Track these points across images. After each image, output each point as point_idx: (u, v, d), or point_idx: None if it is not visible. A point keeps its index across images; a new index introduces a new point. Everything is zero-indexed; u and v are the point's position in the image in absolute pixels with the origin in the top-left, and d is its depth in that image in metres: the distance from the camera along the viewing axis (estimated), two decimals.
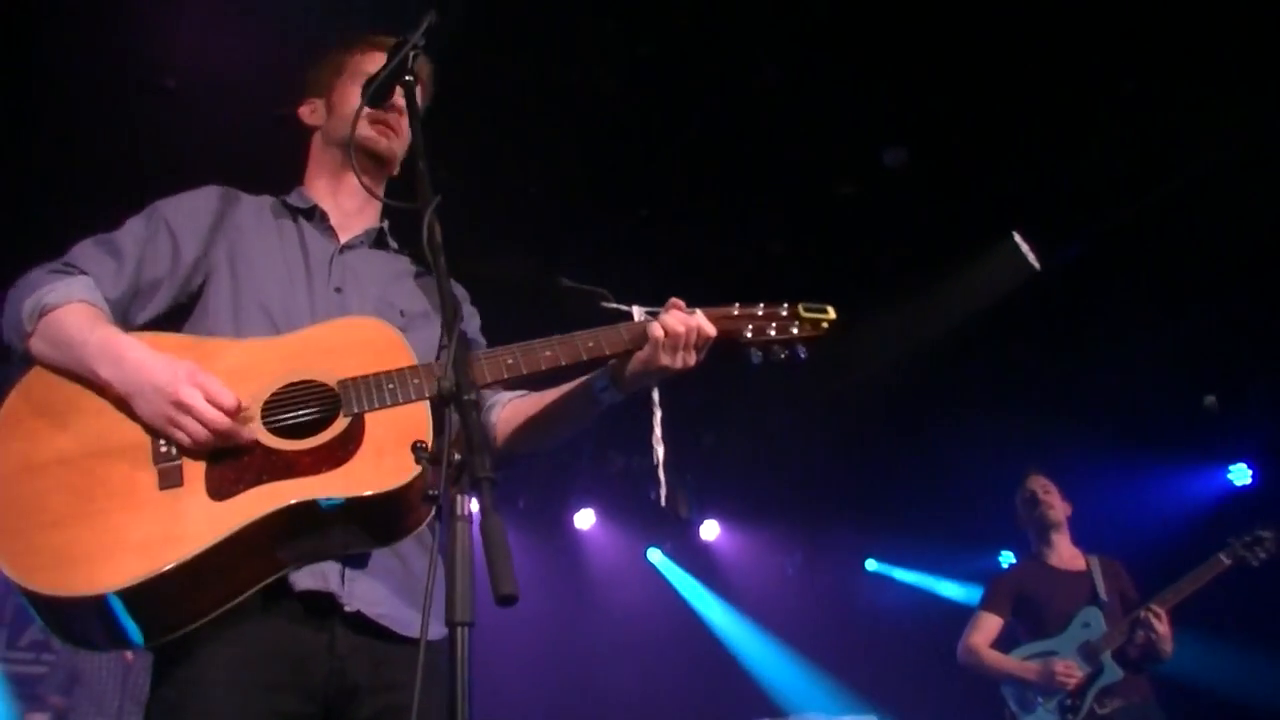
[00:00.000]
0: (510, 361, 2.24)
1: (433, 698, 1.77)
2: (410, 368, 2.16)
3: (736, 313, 2.41)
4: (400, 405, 2.10)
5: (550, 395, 2.45)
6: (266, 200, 2.55)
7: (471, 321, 2.66)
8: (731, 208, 6.58)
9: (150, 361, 2.08)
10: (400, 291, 2.49)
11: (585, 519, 10.06)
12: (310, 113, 2.63)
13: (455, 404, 1.70)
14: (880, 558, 11.01)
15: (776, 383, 8.42)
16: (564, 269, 6.79)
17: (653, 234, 6.80)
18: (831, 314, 2.47)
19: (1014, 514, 5.93)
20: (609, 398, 2.38)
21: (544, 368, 2.27)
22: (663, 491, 2.50)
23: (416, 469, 2.01)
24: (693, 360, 2.30)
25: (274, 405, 2.13)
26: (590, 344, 2.29)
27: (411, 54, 2.18)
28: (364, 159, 2.48)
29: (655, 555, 10.71)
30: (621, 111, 5.88)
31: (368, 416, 2.10)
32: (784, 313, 2.44)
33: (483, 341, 2.62)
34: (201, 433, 2.03)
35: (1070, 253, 7.06)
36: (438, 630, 1.78)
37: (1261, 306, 6.91)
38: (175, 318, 2.34)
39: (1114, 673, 5.19)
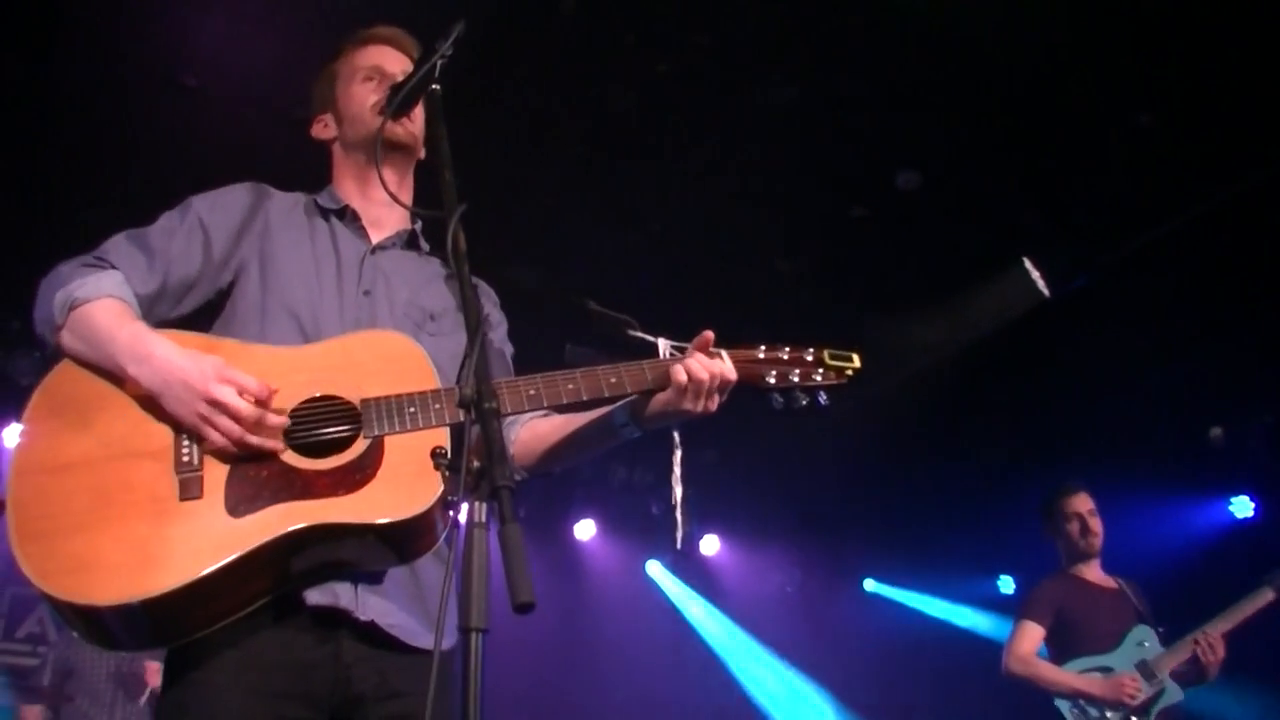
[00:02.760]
0: (532, 393, 2.23)
1: (441, 705, 1.77)
2: (434, 391, 2.14)
3: (761, 356, 2.38)
4: (420, 430, 2.09)
5: (571, 422, 2.44)
6: (299, 198, 2.53)
7: (499, 328, 2.64)
8: (744, 226, 6.59)
9: (178, 359, 2.08)
10: (430, 295, 2.48)
11: (586, 530, 10.05)
12: (323, 128, 2.62)
13: (476, 411, 1.70)
14: (879, 578, 10.99)
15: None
16: (576, 282, 6.82)
17: (665, 249, 6.81)
18: (856, 362, 2.44)
19: (1046, 524, 5.72)
20: (628, 433, 2.36)
21: (565, 400, 2.25)
22: (679, 534, 2.45)
23: (432, 498, 2.01)
24: (714, 406, 2.28)
25: (297, 419, 2.12)
26: (613, 380, 2.27)
27: (439, 63, 2.17)
28: (388, 152, 2.45)
29: (655, 568, 10.69)
30: (638, 127, 5.89)
31: (387, 439, 2.09)
32: (809, 358, 2.40)
33: (510, 348, 2.63)
34: (234, 429, 2.03)
35: (1079, 281, 7.07)
36: (446, 640, 1.79)
37: (1268, 340, 6.92)
38: (204, 316, 2.33)
39: (1176, 693, 5.14)
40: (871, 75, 5.64)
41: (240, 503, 2.02)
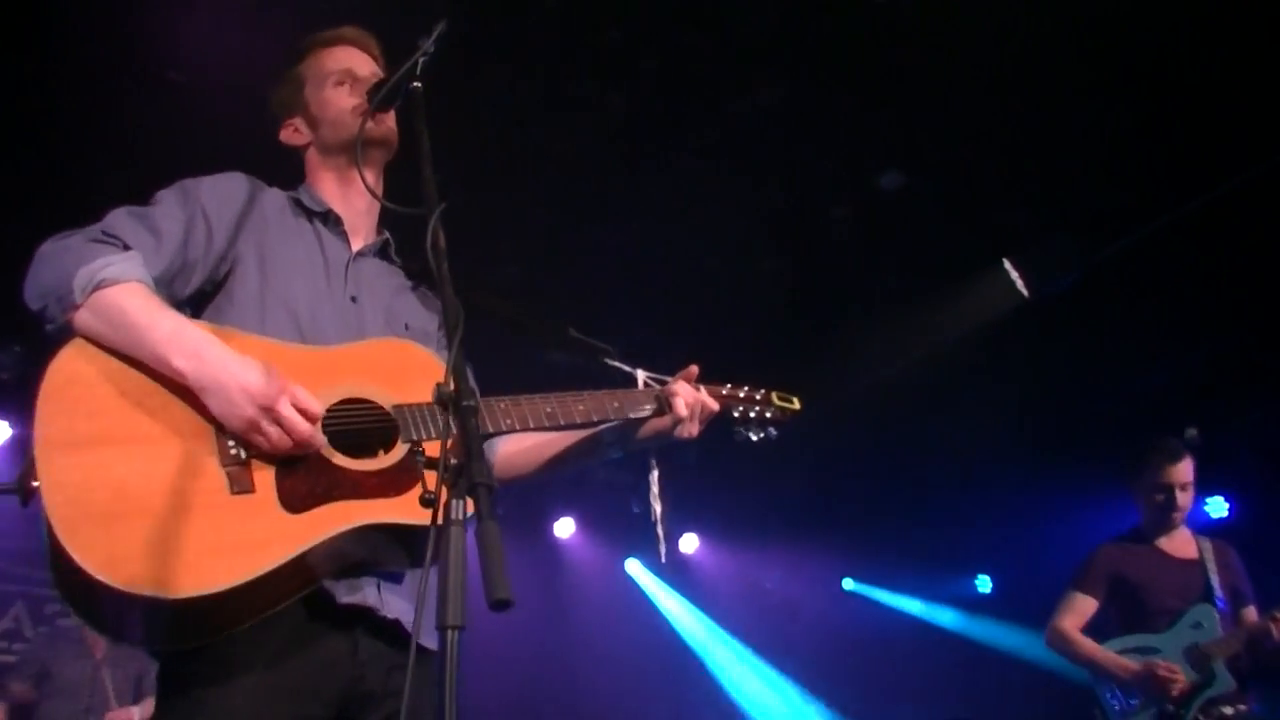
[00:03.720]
0: (549, 410, 2.38)
1: (425, 700, 1.78)
2: None
3: (726, 392, 2.65)
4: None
5: (559, 440, 2.58)
6: (282, 195, 2.52)
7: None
8: (727, 225, 6.61)
9: (234, 362, 2.04)
10: (404, 305, 2.52)
11: (565, 528, 10.07)
12: (294, 133, 2.60)
13: (454, 409, 1.70)
14: (858, 578, 11.05)
15: None
16: (556, 281, 6.83)
17: (647, 247, 6.82)
18: (796, 404, 2.75)
19: (1131, 480, 5.16)
20: (613, 453, 2.57)
21: (577, 421, 2.43)
22: (662, 549, 2.67)
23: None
24: (697, 432, 2.53)
25: (331, 421, 2.12)
26: (616, 404, 2.48)
27: (421, 60, 2.17)
28: (371, 151, 2.49)
29: (634, 566, 10.72)
30: (621, 126, 5.90)
31: (426, 445, 2.14)
32: (758, 397, 2.70)
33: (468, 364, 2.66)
34: (285, 441, 2.01)
35: (1059, 283, 7.12)
36: (429, 637, 1.76)
37: (1246, 341, 6.98)
38: (197, 303, 2.30)
39: (1226, 682, 4.62)
40: (855, 76, 5.66)
41: (294, 499, 2.01)
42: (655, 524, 2.62)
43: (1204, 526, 7.24)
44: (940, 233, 6.78)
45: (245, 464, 2.01)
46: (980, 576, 10.69)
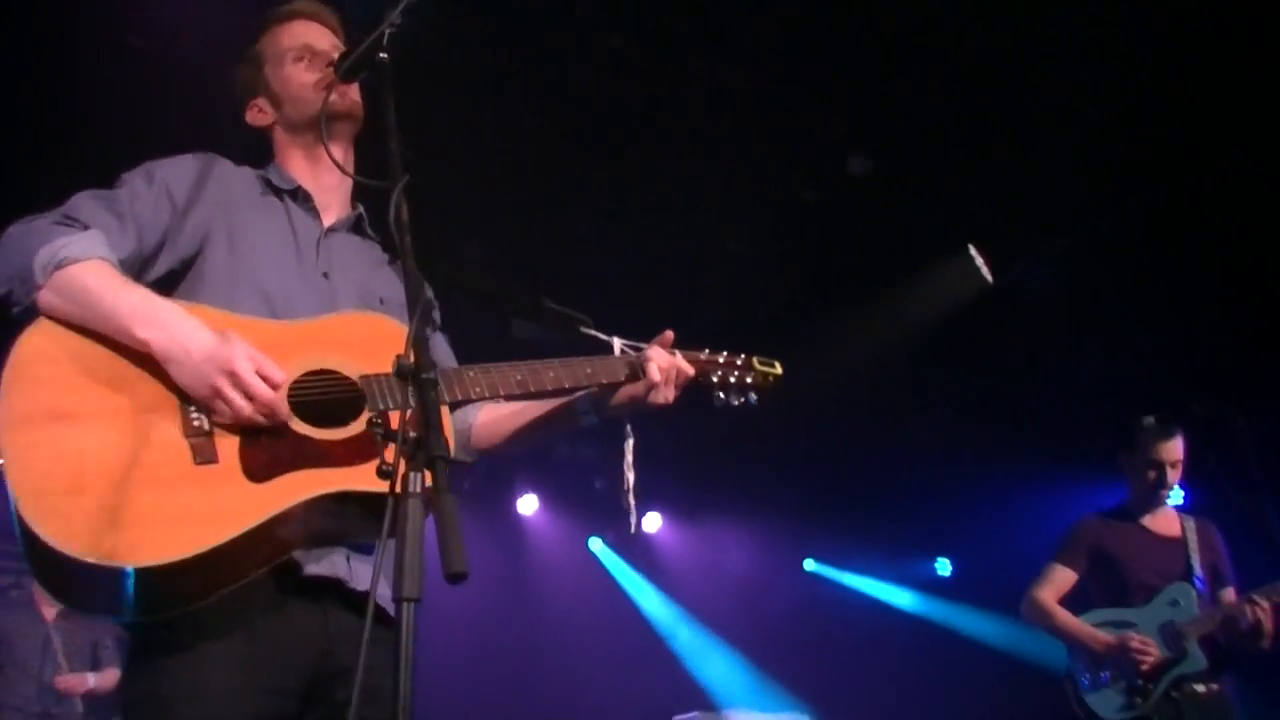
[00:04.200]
0: (519, 378, 2.36)
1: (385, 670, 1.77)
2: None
3: (704, 357, 2.59)
4: None
5: (533, 409, 2.55)
6: (249, 172, 2.51)
7: (432, 314, 2.67)
8: (694, 205, 6.61)
9: (197, 330, 2.06)
10: (378, 280, 2.50)
11: (529, 504, 10.07)
12: (259, 112, 2.58)
13: (413, 381, 1.70)
14: (819, 559, 11.12)
15: None
16: (525, 260, 6.81)
17: (616, 228, 6.81)
18: (778, 369, 2.66)
19: (1123, 455, 5.17)
20: (587, 421, 2.52)
21: (549, 388, 2.40)
22: (632, 519, 2.64)
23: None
24: (672, 397, 2.48)
25: (299, 392, 2.13)
26: (589, 371, 2.44)
27: (387, 31, 2.14)
28: (332, 124, 2.44)
29: (596, 545, 10.74)
30: (591, 103, 5.88)
31: (392, 415, 2.12)
32: (739, 362, 2.62)
33: (443, 336, 2.67)
34: (246, 407, 2.02)
35: (1022, 269, 7.18)
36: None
37: (1202, 331, 7.06)
38: (168, 284, 2.29)
39: (1197, 661, 4.65)
40: (825, 59, 5.67)
41: (259, 468, 2.01)
42: (627, 493, 2.60)
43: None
44: (906, 219, 6.81)
45: (209, 435, 2.03)
46: (940, 559, 10.79)
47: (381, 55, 2.17)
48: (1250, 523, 4.68)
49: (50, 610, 6.37)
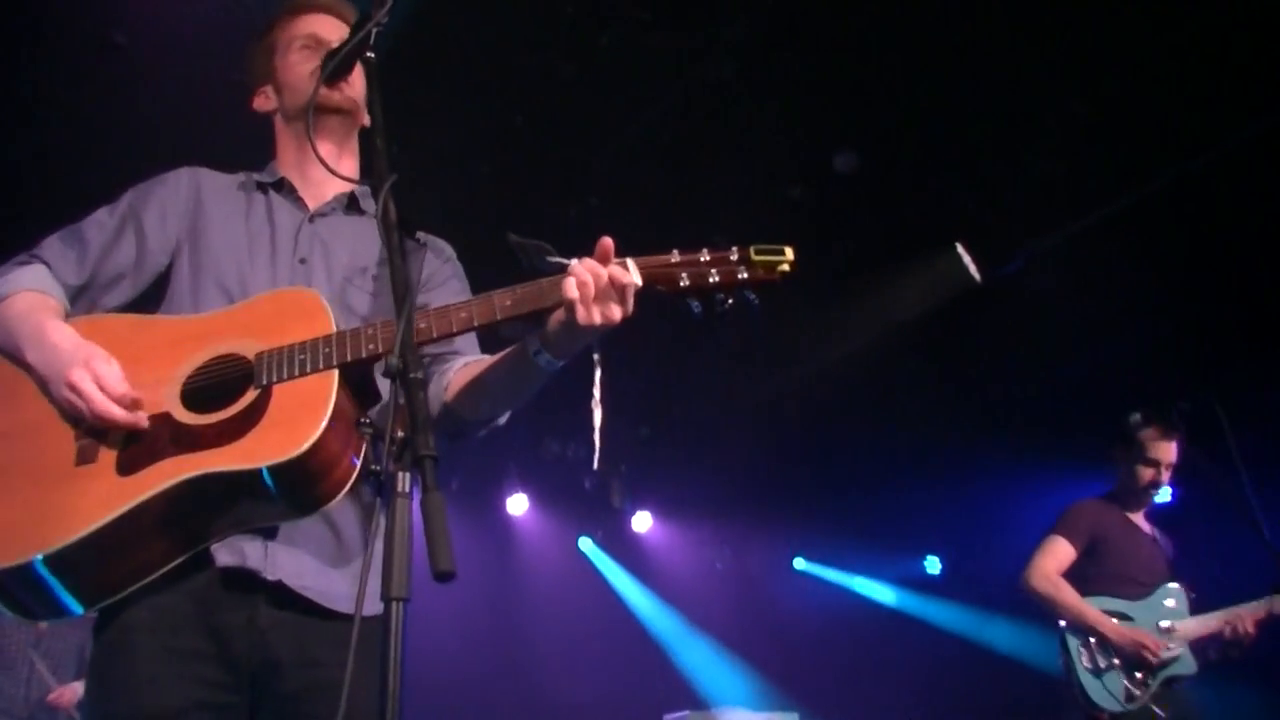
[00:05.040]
0: (423, 325, 2.10)
1: (363, 675, 1.76)
2: (325, 336, 2.12)
3: (675, 260, 2.15)
4: (309, 375, 2.08)
5: (487, 368, 2.33)
6: (239, 177, 2.54)
7: (450, 283, 2.54)
8: (680, 200, 6.60)
9: (62, 346, 2.19)
10: (370, 252, 2.46)
11: (519, 504, 10.06)
12: (264, 100, 2.60)
13: (401, 381, 1.70)
14: (808, 557, 11.14)
15: (713, 379, 8.48)
16: (509, 255, 6.78)
17: (601, 222, 6.79)
18: (789, 254, 2.17)
19: (1120, 449, 5.24)
20: (545, 361, 2.18)
21: (456, 330, 2.13)
22: (596, 454, 2.39)
23: (311, 437, 1.99)
24: (616, 314, 2.07)
25: (194, 380, 2.15)
26: (507, 303, 2.12)
27: (374, 30, 2.14)
28: (325, 117, 2.45)
29: (586, 544, 10.74)
30: (577, 99, 5.87)
31: (276, 388, 2.09)
32: (732, 257, 2.15)
33: (458, 281, 2.61)
34: (87, 415, 2.12)
35: (1010, 267, 7.19)
36: (368, 608, 1.72)
37: (1186, 325, 7.09)
38: (147, 301, 2.40)
39: (1189, 664, 4.85)
40: (810, 56, 5.67)
41: (131, 461, 2.09)
42: (594, 431, 2.26)
43: (1148, 511, 7.29)
44: (893, 214, 6.82)
45: (95, 440, 2.13)
46: (929, 557, 10.81)
47: (369, 54, 2.18)
48: (1237, 519, 4.72)
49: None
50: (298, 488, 2.05)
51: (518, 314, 2.13)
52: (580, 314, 2.05)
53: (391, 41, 2.16)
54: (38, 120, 5.22)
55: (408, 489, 1.61)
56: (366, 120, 2.51)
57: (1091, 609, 4.92)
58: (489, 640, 9.42)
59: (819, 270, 7.35)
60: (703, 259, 2.15)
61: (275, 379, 2.09)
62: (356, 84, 2.46)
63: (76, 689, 6.28)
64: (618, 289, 2.07)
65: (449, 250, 2.62)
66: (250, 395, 2.08)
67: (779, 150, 6.33)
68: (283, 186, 2.51)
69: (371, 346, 2.08)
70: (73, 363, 2.13)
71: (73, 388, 2.11)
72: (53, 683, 6.24)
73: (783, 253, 2.17)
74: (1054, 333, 7.54)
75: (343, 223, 2.51)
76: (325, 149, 2.36)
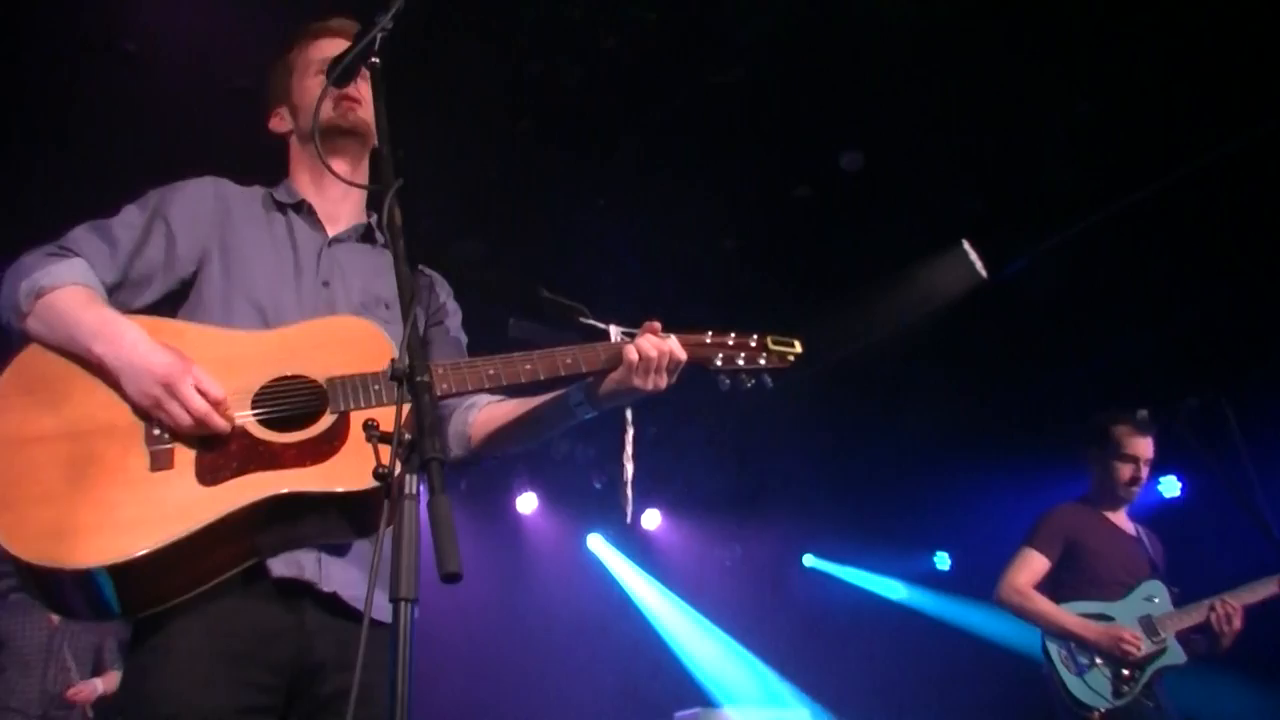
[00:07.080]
0: (491, 372, 2.33)
1: (382, 675, 1.79)
2: None
3: (709, 340, 2.50)
4: (385, 406, 2.16)
5: (527, 404, 2.52)
6: (257, 192, 2.58)
7: (454, 317, 2.71)
8: (688, 203, 6.62)
9: (145, 345, 2.17)
10: (386, 285, 2.52)
11: (528, 503, 10.07)
12: (280, 121, 2.66)
13: (408, 385, 1.73)
14: (818, 554, 11.13)
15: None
16: (521, 259, 6.82)
17: (609, 225, 6.82)
18: (798, 347, 2.57)
19: (1094, 448, 5.24)
20: (582, 413, 2.47)
21: (523, 380, 2.36)
22: (628, 509, 2.61)
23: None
24: (664, 384, 2.40)
25: (264, 398, 2.19)
26: (569, 361, 2.38)
27: (379, 36, 2.16)
28: (337, 139, 2.51)
29: (596, 542, 10.75)
30: (583, 102, 5.89)
31: (352, 415, 2.17)
32: (752, 343, 2.53)
33: (464, 337, 2.71)
34: (184, 418, 2.10)
35: (1018, 264, 7.19)
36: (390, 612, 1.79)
37: (1194, 322, 7.08)
38: (169, 304, 2.40)
39: (1177, 656, 4.86)
40: (817, 56, 5.68)
41: (210, 473, 2.11)
42: (625, 484, 2.55)
43: (1157, 506, 7.32)
44: (900, 214, 6.82)
45: (169, 444, 2.13)
46: (939, 553, 10.79)
47: (374, 60, 2.20)
48: (1243, 515, 4.73)
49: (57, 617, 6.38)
50: (366, 512, 2.14)
51: (574, 373, 2.40)
52: (637, 381, 2.37)
53: (397, 47, 2.18)
54: (40, 123, 5.25)
55: (415, 491, 1.64)
56: (376, 141, 2.55)
57: (1065, 614, 4.94)
58: (500, 637, 9.43)
59: (827, 268, 7.36)
60: (729, 342, 2.52)
61: (350, 406, 2.18)
62: (366, 105, 2.52)
63: (96, 685, 6.33)
64: (672, 364, 2.40)
65: (448, 286, 2.74)
66: (327, 420, 2.16)
67: (785, 151, 6.34)
68: (302, 208, 2.56)
69: (445, 385, 2.29)
70: (169, 365, 2.13)
71: (171, 389, 2.10)
72: (76, 678, 6.30)
73: (792, 344, 2.58)
74: (1063, 331, 7.54)
75: (357, 251, 2.57)
76: (339, 169, 2.44)
